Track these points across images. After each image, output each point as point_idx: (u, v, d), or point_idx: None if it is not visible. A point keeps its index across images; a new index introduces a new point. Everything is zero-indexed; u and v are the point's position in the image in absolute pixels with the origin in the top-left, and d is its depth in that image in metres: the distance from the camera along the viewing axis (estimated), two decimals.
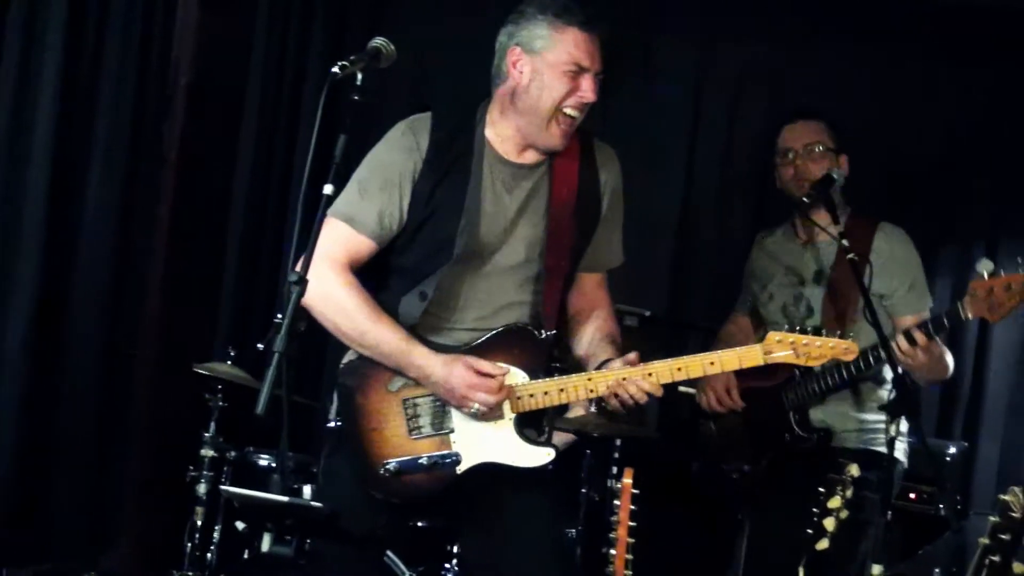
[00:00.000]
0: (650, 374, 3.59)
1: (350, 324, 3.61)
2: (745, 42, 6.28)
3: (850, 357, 3.66)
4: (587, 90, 3.65)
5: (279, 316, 3.01)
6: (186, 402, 5.50)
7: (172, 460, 5.45)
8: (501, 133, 3.75)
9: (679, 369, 3.61)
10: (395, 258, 3.74)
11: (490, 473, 3.65)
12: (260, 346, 3.02)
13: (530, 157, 3.77)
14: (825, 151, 4.74)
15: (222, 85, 5.97)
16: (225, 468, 5.27)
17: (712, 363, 3.62)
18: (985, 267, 4.09)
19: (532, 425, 3.73)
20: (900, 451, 4.66)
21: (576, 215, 3.77)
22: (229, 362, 5.31)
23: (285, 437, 3.20)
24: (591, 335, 3.88)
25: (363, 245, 3.66)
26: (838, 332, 3.65)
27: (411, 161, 3.67)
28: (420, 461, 3.62)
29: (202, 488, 5.18)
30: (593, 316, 3.92)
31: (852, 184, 4.76)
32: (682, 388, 4.83)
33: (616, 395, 3.60)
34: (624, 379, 3.58)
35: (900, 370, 4.21)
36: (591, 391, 3.63)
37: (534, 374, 3.66)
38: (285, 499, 3.21)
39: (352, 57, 3.21)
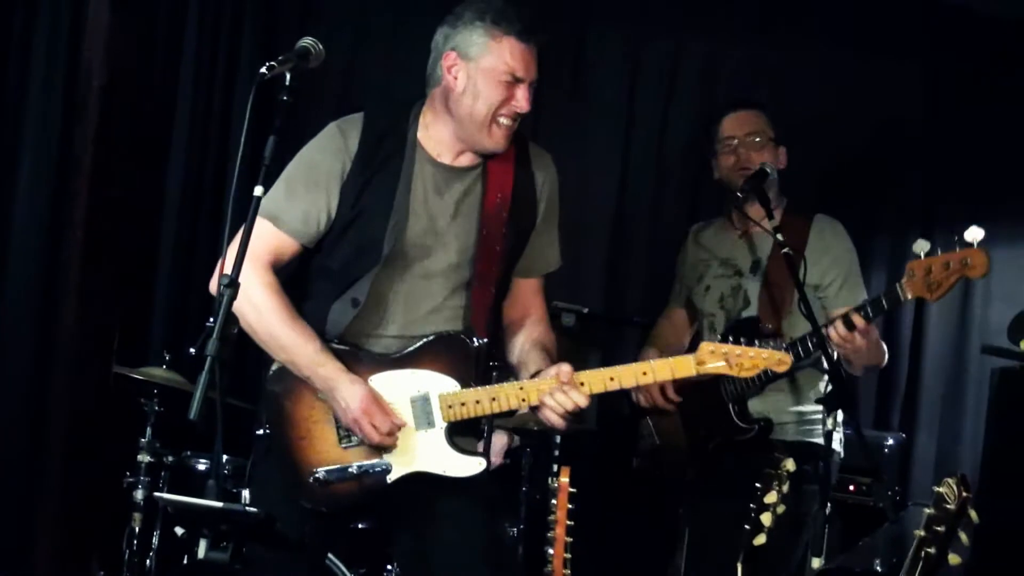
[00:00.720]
0: (583, 383, 3.58)
1: (263, 326, 3.58)
2: (677, 38, 6.30)
3: (783, 368, 3.66)
4: (521, 100, 3.62)
5: (211, 320, 2.96)
6: (109, 406, 5.46)
7: (101, 465, 5.41)
8: (435, 135, 3.71)
9: (612, 379, 3.60)
10: (322, 259, 3.71)
11: (421, 479, 3.63)
12: (192, 351, 2.99)
13: (464, 160, 3.74)
14: (766, 141, 4.75)
15: (149, 90, 5.89)
16: (163, 473, 5.24)
17: (645, 373, 3.62)
18: (921, 247, 4.09)
19: (464, 433, 3.71)
20: (836, 441, 4.68)
21: (510, 220, 3.73)
22: (164, 366, 5.27)
23: (219, 442, 3.16)
24: (522, 344, 3.85)
25: (286, 243, 3.64)
26: (771, 327, 3.65)
27: (339, 161, 3.63)
28: (350, 470, 3.60)
29: (139, 494, 5.13)
30: (526, 324, 3.89)
31: (787, 174, 4.78)
32: None
33: (547, 404, 3.58)
34: (553, 388, 3.56)
35: (836, 360, 4.23)
36: (523, 400, 3.60)
37: (465, 383, 3.63)
38: (219, 504, 3.16)
39: (281, 57, 3.19)
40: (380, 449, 3.60)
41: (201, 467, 5.27)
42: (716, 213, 5.04)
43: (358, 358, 3.64)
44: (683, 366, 3.62)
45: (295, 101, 3.18)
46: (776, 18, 6.27)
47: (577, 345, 5.37)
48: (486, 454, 3.73)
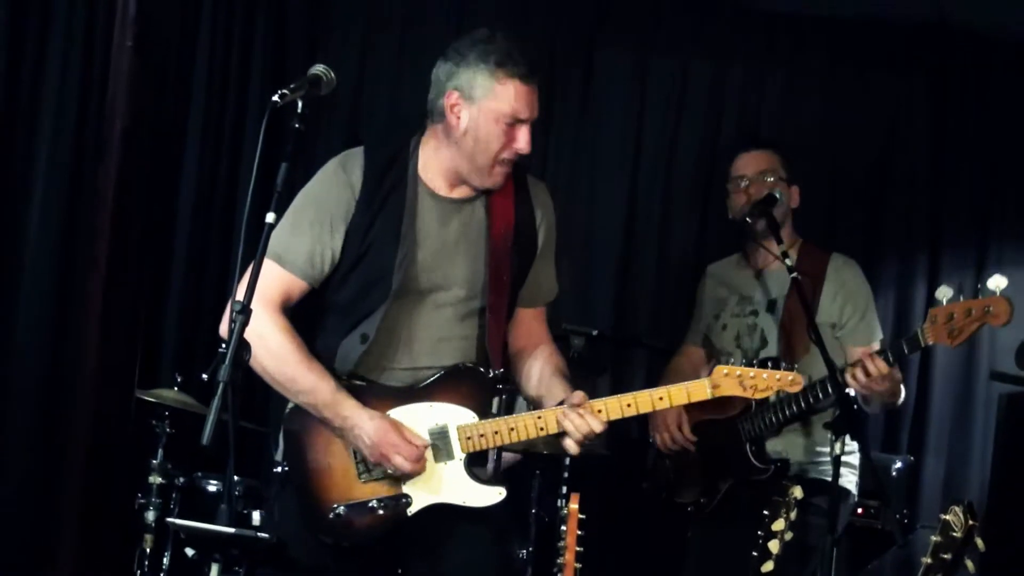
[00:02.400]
0: (600, 411, 3.59)
1: (280, 369, 3.57)
2: (685, 56, 6.30)
3: (795, 388, 3.67)
4: (522, 142, 3.62)
5: (223, 346, 2.98)
6: (126, 429, 5.47)
7: (115, 487, 5.42)
8: (433, 168, 3.71)
9: (629, 405, 3.61)
10: (331, 295, 3.70)
11: (437, 508, 3.63)
12: (204, 376, 3.01)
13: (461, 192, 3.74)
14: (777, 180, 4.75)
15: (161, 121, 5.90)
16: (174, 495, 5.24)
17: (661, 398, 3.63)
18: (944, 293, 4.08)
19: (482, 463, 3.71)
20: (851, 483, 4.70)
21: (514, 250, 3.75)
22: (176, 388, 5.29)
23: (231, 467, 3.18)
24: (539, 372, 3.85)
25: (293, 284, 3.63)
26: (785, 366, 3.66)
27: (344, 198, 3.63)
28: (370, 504, 3.59)
29: (151, 515, 5.14)
30: (537, 352, 3.90)
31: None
32: None
33: (566, 430, 3.59)
34: (569, 413, 3.58)
35: (844, 388, 4.23)
36: (541, 429, 3.60)
37: (483, 414, 3.64)
38: (232, 530, 3.19)
39: (292, 85, 3.19)
40: (400, 481, 3.60)
41: (212, 488, 5.28)
42: (725, 234, 5.04)
43: (374, 392, 3.63)
44: (698, 390, 3.63)
45: (307, 128, 3.20)
46: (782, 35, 6.29)
47: (587, 366, 5.36)
48: (495, 478, 3.73)
